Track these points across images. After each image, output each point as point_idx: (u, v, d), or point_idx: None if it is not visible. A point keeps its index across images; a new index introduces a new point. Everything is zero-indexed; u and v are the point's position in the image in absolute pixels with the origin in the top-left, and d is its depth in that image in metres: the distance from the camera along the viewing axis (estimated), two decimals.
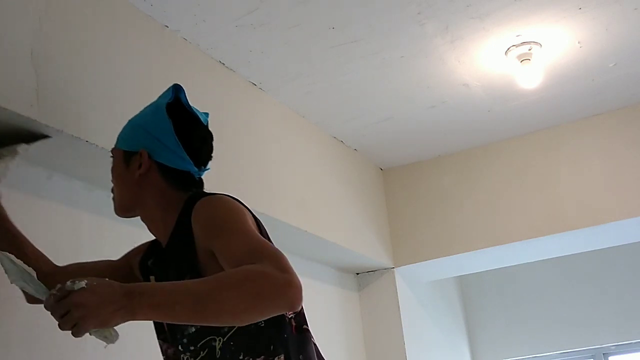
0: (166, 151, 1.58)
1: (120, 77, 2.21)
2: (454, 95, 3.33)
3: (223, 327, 1.46)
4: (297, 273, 1.55)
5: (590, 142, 3.71)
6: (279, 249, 1.57)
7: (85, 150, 2.02)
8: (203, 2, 2.42)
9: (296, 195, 3.10)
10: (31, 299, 1.60)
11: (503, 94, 3.36)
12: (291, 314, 1.51)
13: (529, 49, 2.93)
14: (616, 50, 3.06)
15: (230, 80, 2.85)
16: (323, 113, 3.35)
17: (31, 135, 1.89)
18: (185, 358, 1.52)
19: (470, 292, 5.21)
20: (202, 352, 1.48)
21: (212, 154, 1.68)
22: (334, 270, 3.81)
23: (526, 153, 3.84)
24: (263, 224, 1.57)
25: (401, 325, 3.84)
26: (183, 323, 1.47)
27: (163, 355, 1.60)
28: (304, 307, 1.56)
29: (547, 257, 4.37)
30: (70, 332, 1.22)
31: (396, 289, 3.92)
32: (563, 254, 4.41)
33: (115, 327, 1.29)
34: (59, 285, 1.22)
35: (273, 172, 2.98)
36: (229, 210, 1.47)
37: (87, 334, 1.26)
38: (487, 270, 4.69)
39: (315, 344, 1.57)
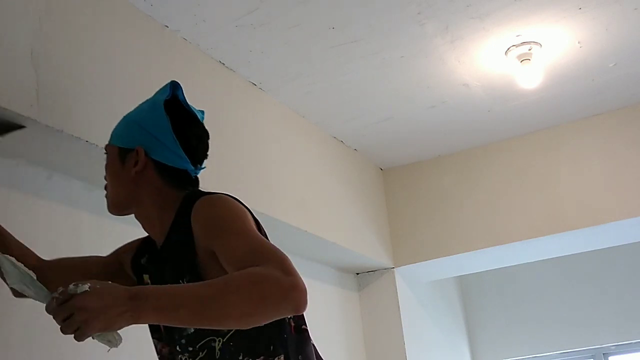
0: (163, 149, 1.56)
1: (120, 77, 2.21)
2: (454, 95, 3.33)
3: (222, 328, 1.45)
4: None
5: (590, 142, 3.71)
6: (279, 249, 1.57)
7: (85, 150, 2.02)
8: (203, 2, 2.42)
9: (296, 195, 3.10)
10: (17, 293, 1.57)
11: (503, 94, 3.36)
12: None
13: (529, 49, 2.93)
14: (616, 50, 3.06)
15: (230, 80, 2.85)
16: (323, 113, 3.35)
17: (4, 128, 1.87)
18: (183, 359, 1.50)
19: (470, 292, 5.21)
20: (201, 353, 1.47)
21: (208, 153, 1.66)
22: (334, 270, 3.81)
23: (526, 153, 3.84)
24: (262, 224, 1.56)
25: (401, 325, 3.84)
26: (187, 326, 1.46)
27: (157, 354, 1.59)
28: None
29: (547, 257, 4.37)
30: (72, 335, 1.21)
31: (396, 289, 3.92)
32: (563, 254, 4.41)
33: (118, 331, 1.28)
34: (61, 289, 1.20)
35: (273, 172, 2.98)
36: (230, 210, 1.45)
37: (89, 338, 1.25)
38: (487, 270, 4.69)
39: (314, 344, 1.57)
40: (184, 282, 1.45)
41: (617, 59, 3.14)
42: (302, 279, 1.30)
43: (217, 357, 1.46)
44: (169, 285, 1.43)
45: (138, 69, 2.30)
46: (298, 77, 3.00)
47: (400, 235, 3.99)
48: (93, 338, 1.26)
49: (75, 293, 1.19)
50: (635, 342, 4.64)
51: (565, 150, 3.75)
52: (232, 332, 1.45)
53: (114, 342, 1.31)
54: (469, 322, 5.14)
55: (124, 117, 1.66)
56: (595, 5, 2.71)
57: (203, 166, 1.65)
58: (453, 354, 4.71)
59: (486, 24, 2.76)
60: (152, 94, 1.72)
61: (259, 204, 2.74)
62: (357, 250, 3.58)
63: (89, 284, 1.20)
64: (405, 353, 3.80)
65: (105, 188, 1.64)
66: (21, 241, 1.77)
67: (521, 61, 2.97)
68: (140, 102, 1.70)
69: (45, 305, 1.24)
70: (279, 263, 1.29)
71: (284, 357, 1.46)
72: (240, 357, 1.44)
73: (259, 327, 1.42)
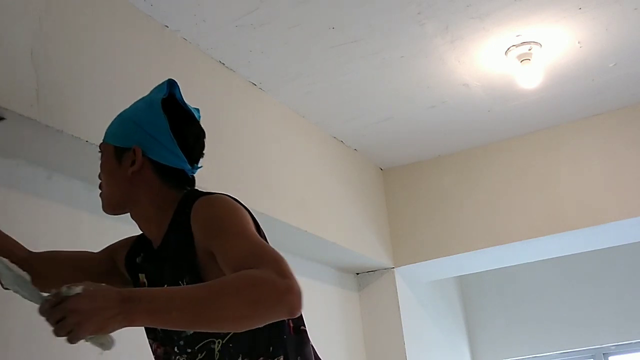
0: (160, 148, 1.55)
1: (120, 77, 2.21)
2: (454, 95, 3.33)
3: None
4: (297, 273, 1.54)
5: (590, 142, 3.71)
6: (279, 249, 1.56)
7: (85, 150, 2.01)
8: (203, 2, 2.42)
9: (296, 195, 3.10)
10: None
11: (503, 94, 3.36)
12: None
13: (529, 49, 2.93)
14: (616, 50, 3.06)
15: (230, 80, 2.85)
16: (323, 113, 3.35)
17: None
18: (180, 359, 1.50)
19: (470, 292, 5.21)
20: (199, 355, 1.47)
21: (204, 152, 1.65)
22: (334, 270, 3.81)
23: (526, 153, 3.84)
24: (261, 224, 1.56)
25: (401, 325, 3.84)
26: (181, 329, 1.45)
27: (153, 354, 1.59)
28: None
29: (547, 257, 4.37)
30: (65, 338, 1.20)
31: (396, 289, 3.92)
32: (563, 254, 4.41)
33: (111, 333, 1.27)
34: (54, 291, 1.20)
35: (273, 172, 2.98)
36: (229, 210, 1.44)
37: (83, 340, 1.24)
38: (487, 270, 4.69)
39: (312, 345, 1.56)
40: (183, 283, 1.45)
41: (617, 59, 3.14)
42: (302, 278, 1.30)
43: (217, 358, 1.45)
44: (163, 287, 1.42)
45: (138, 69, 2.30)
46: (298, 77, 3.00)
47: (400, 235, 3.99)
48: (86, 340, 1.25)
49: (68, 295, 1.18)
50: (635, 342, 4.64)
51: (565, 150, 3.75)
52: (231, 334, 1.44)
53: (106, 345, 1.30)
54: (469, 322, 5.14)
55: (120, 115, 1.64)
56: (595, 5, 2.71)
57: (199, 165, 1.64)
58: (453, 354, 4.71)
59: (486, 24, 2.76)
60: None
61: (259, 204, 2.74)
62: (357, 250, 3.58)
63: (82, 286, 1.19)
64: (405, 353, 3.80)
65: (100, 187, 1.62)
66: (21, 241, 1.77)
67: (521, 61, 2.97)
68: (136, 100, 1.69)
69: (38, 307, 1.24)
70: (276, 265, 1.27)
71: (283, 358, 1.45)
72: (240, 359, 1.44)
73: (258, 328, 1.42)
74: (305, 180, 3.23)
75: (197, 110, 1.67)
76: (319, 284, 3.60)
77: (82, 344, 1.32)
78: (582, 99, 3.52)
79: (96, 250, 1.84)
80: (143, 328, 1.60)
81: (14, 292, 1.36)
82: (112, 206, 1.60)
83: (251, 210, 1.56)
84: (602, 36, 2.93)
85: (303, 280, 1.31)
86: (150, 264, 1.60)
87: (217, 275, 1.35)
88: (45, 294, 1.24)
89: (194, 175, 1.63)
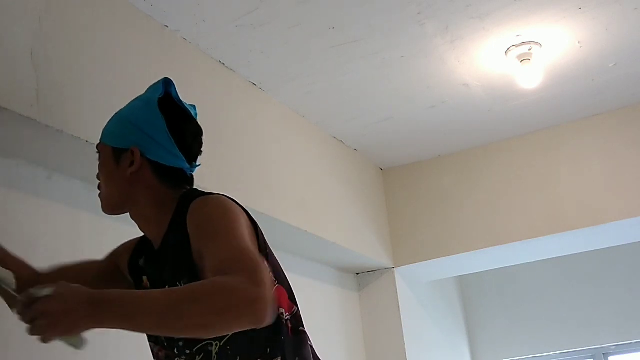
0: (158, 148, 1.55)
1: (120, 77, 2.21)
2: (454, 95, 3.33)
3: None
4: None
5: (590, 142, 3.71)
6: (279, 249, 1.56)
7: (85, 150, 2.01)
8: (203, 2, 2.42)
9: (296, 195, 3.10)
10: None
11: (503, 94, 3.36)
12: (287, 315, 1.49)
13: (529, 49, 2.93)
14: (616, 50, 3.06)
15: (230, 80, 2.85)
16: (323, 113, 3.35)
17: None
18: None
19: (470, 292, 5.21)
20: (198, 356, 1.46)
21: (202, 150, 1.65)
22: (334, 270, 3.81)
23: (526, 153, 3.84)
24: (261, 224, 1.56)
25: (401, 325, 3.84)
26: (150, 333, 1.45)
27: (154, 357, 1.58)
28: (300, 309, 1.56)
29: (547, 257, 4.37)
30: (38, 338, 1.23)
31: (396, 289, 3.92)
32: (563, 254, 4.41)
33: (83, 334, 1.29)
34: (26, 292, 1.22)
35: (273, 172, 2.98)
36: (220, 213, 1.43)
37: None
38: (487, 270, 4.69)
39: (311, 346, 1.56)
40: (181, 284, 1.44)
41: (617, 59, 3.14)
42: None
43: None
44: (135, 291, 1.42)
45: (138, 69, 2.30)
46: (298, 77, 3.00)
47: (400, 235, 3.99)
48: (59, 340, 1.27)
49: (38, 296, 1.21)
50: (635, 342, 4.64)
51: (565, 150, 3.75)
52: (229, 336, 1.44)
53: (77, 345, 1.32)
54: (469, 322, 5.14)
55: (116, 115, 1.63)
56: (595, 5, 2.71)
57: (198, 164, 1.63)
58: (453, 354, 4.71)
59: (486, 24, 2.76)
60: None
61: (259, 204, 2.74)
62: (357, 250, 3.58)
63: (51, 288, 1.21)
64: (405, 353, 3.80)
65: (99, 187, 1.62)
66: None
67: (521, 61, 2.97)
68: (132, 99, 1.68)
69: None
70: (250, 273, 1.26)
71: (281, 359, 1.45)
72: None
73: (256, 330, 1.41)
74: (305, 180, 3.23)
75: (194, 107, 1.66)
76: (319, 284, 3.60)
77: (88, 343, 1.32)
78: (582, 99, 3.52)
79: (96, 251, 1.85)
80: None
81: None
82: (111, 207, 1.60)
83: (251, 211, 1.56)
84: (602, 36, 2.93)
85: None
86: (152, 265, 1.60)
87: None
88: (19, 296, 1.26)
89: (193, 173, 1.63)
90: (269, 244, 1.56)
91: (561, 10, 2.72)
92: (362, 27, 2.69)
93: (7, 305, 1.46)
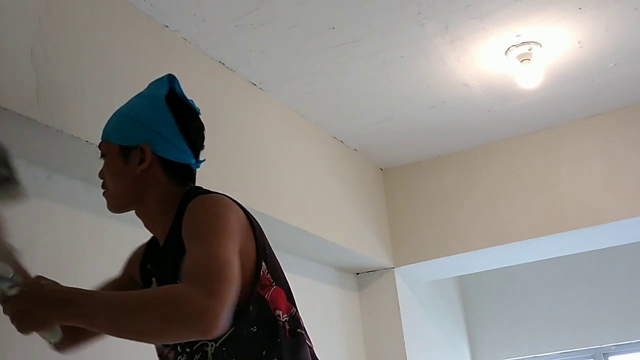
0: (167, 144, 1.55)
1: (120, 77, 2.21)
2: (454, 95, 3.33)
3: None
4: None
5: (590, 142, 3.71)
6: (279, 249, 1.56)
7: (85, 150, 2.01)
8: (203, 2, 2.42)
9: (296, 195, 3.10)
10: None
11: (503, 94, 3.36)
12: (285, 317, 1.48)
13: (529, 49, 2.93)
14: (616, 50, 3.06)
15: (230, 80, 2.85)
16: (323, 113, 3.35)
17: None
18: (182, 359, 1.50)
19: (470, 292, 5.21)
20: (196, 355, 1.46)
21: (204, 145, 1.66)
22: (334, 270, 3.81)
23: (526, 153, 3.84)
24: (261, 224, 1.56)
25: (401, 325, 3.84)
26: (109, 335, 1.45)
27: (160, 357, 1.58)
28: (298, 310, 1.55)
29: (547, 257, 4.37)
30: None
31: (396, 289, 3.92)
32: (563, 254, 4.41)
33: (56, 328, 1.39)
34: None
35: (273, 172, 2.98)
36: (209, 216, 1.43)
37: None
38: (487, 270, 4.69)
39: (310, 347, 1.55)
40: None
41: (617, 59, 3.14)
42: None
43: None
44: (96, 292, 1.44)
45: (138, 69, 2.30)
46: (298, 77, 3.00)
47: (400, 235, 3.99)
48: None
49: (8, 296, 1.33)
50: (635, 342, 4.64)
51: (565, 150, 3.75)
52: (225, 337, 1.43)
53: (49, 338, 1.41)
54: (469, 322, 5.14)
55: (119, 114, 1.63)
56: (595, 5, 2.71)
57: (202, 159, 1.64)
58: (453, 354, 4.71)
59: (486, 24, 2.76)
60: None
61: (259, 204, 2.74)
62: (357, 250, 3.58)
63: (19, 288, 1.34)
64: (405, 353, 3.80)
65: (103, 187, 1.61)
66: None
67: (521, 61, 2.97)
68: (132, 97, 1.68)
69: None
70: (208, 283, 1.27)
71: None
72: None
73: (252, 331, 1.42)
74: (305, 180, 3.23)
75: (192, 101, 1.67)
76: (319, 284, 3.60)
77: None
78: (582, 99, 3.52)
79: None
80: None
81: None
82: (118, 205, 1.60)
83: (251, 210, 1.55)
84: (602, 36, 2.93)
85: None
86: (157, 265, 1.60)
87: None
88: None
89: (197, 169, 1.64)
90: (270, 245, 1.56)
91: (561, 10, 2.72)
92: (362, 27, 2.69)
93: None
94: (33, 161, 2.05)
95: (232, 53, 2.75)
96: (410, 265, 3.95)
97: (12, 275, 1.40)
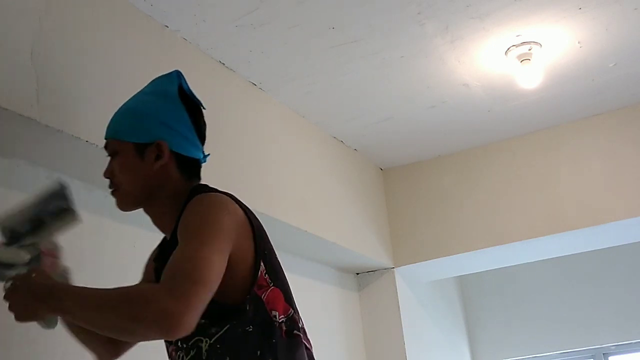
0: (182, 140, 1.58)
1: (120, 77, 2.21)
2: (454, 95, 3.33)
3: (210, 328, 1.44)
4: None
5: (590, 142, 3.71)
6: (279, 249, 1.56)
7: (85, 150, 2.02)
8: (203, 2, 2.42)
9: (296, 195, 3.10)
10: None
11: (503, 94, 3.36)
12: (282, 318, 1.49)
13: (529, 49, 2.93)
14: (616, 50, 3.06)
15: (230, 80, 2.85)
16: (323, 113, 3.35)
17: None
18: (180, 355, 1.51)
19: (470, 292, 5.21)
20: (192, 352, 1.47)
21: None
22: (334, 270, 3.81)
23: (526, 153, 3.84)
24: (262, 225, 1.56)
25: (401, 325, 3.84)
26: (88, 328, 1.51)
27: (169, 357, 1.59)
28: (297, 312, 1.55)
29: (547, 257, 4.37)
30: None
31: (396, 289, 3.92)
32: (563, 254, 4.41)
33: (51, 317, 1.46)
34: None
35: (273, 172, 2.98)
36: (202, 215, 1.44)
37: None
38: (487, 270, 4.69)
39: (308, 348, 1.55)
40: None
41: (617, 59, 3.14)
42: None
43: (204, 358, 1.45)
44: (81, 287, 1.46)
45: (138, 69, 2.30)
46: (298, 77, 3.00)
47: (400, 235, 3.99)
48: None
49: (5, 288, 1.43)
50: (635, 342, 4.64)
51: (565, 150, 3.75)
52: (219, 334, 1.44)
53: (44, 327, 1.48)
54: (469, 322, 5.14)
55: (127, 111, 1.63)
56: (595, 5, 2.71)
57: (207, 153, 1.67)
58: (453, 354, 4.71)
59: (486, 24, 2.76)
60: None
61: (259, 204, 2.73)
62: (357, 250, 3.58)
63: (13, 281, 1.43)
64: (405, 353, 3.80)
65: (111, 186, 1.61)
66: None
67: (521, 61, 2.97)
68: (136, 94, 1.69)
69: None
70: (177, 284, 1.29)
71: None
72: None
73: (247, 330, 1.42)
74: (305, 180, 3.23)
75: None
76: (319, 284, 3.60)
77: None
78: (582, 99, 3.52)
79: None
80: None
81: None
82: (132, 203, 1.61)
83: (248, 211, 1.55)
84: (602, 36, 2.93)
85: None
86: (162, 261, 1.60)
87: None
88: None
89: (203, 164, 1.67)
90: (272, 246, 1.56)
91: (561, 10, 2.72)
92: (362, 27, 2.69)
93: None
94: (33, 161, 2.05)
95: (232, 53, 2.75)
96: (410, 265, 3.95)
97: (28, 261, 1.50)
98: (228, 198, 1.52)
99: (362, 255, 3.66)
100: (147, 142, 1.56)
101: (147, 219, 1.64)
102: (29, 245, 1.53)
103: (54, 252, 1.59)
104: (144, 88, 1.70)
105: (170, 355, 1.57)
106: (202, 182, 1.66)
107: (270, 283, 1.50)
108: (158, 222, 1.61)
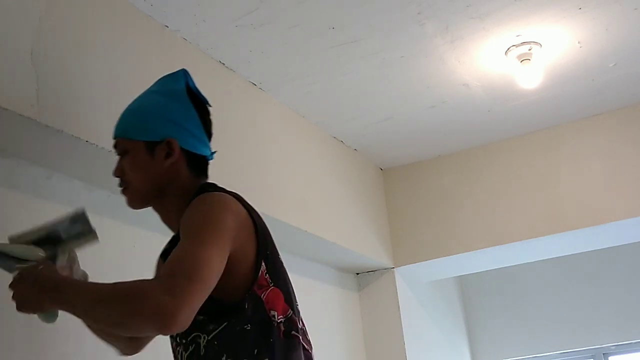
0: (191, 138, 1.60)
1: (120, 77, 2.21)
2: (454, 95, 3.33)
3: (208, 325, 1.45)
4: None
5: (590, 142, 3.71)
6: (279, 249, 1.56)
7: (85, 150, 2.02)
8: (203, 2, 2.42)
9: (296, 195, 3.10)
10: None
11: (503, 94, 3.36)
12: (280, 318, 1.49)
13: (529, 49, 2.93)
14: (616, 50, 3.06)
15: (230, 80, 2.85)
16: (323, 113, 3.35)
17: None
18: (179, 350, 1.52)
19: (470, 292, 5.21)
20: (190, 347, 1.48)
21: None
22: (334, 270, 3.81)
23: (526, 153, 3.84)
24: (266, 226, 1.57)
25: (401, 325, 3.84)
26: (87, 322, 1.55)
27: (172, 351, 1.60)
28: (298, 313, 1.56)
29: (547, 257, 4.37)
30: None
31: (396, 289, 3.92)
32: (563, 254, 4.41)
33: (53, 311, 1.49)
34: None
35: (273, 172, 2.98)
36: (204, 214, 1.45)
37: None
38: (487, 270, 4.69)
39: (307, 349, 1.55)
40: None
41: (617, 59, 3.14)
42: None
43: (202, 354, 1.46)
44: (83, 282, 1.49)
45: (138, 69, 2.30)
46: (298, 77, 3.00)
47: (400, 235, 3.99)
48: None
49: (13, 277, 1.46)
50: (635, 342, 4.64)
51: (565, 150, 3.75)
52: (217, 331, 1.45)
53: (44, 320, 1.50)
54: (469, 322, 5.14)
55: (135, 111, 1.65)
56: (595, 5, 2.71)
57: (214, 150, 1.68)
58: (453, 354, 4.71)
59: (486, 24, 2.76)
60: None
61: (259, 204, 2.70)
62: (357, 250, 3.58)
63: (19, 272, 1.46)
64: (405, 353, 3.79)
65: (121, 184, 1.63)
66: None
67: (521, 61, 2.97)
68: (144, 94, 1.70)
69: None
70: (174, 281, 1.30)
71: None
72: (224, 358, 1.44)
73: (245, 329, 1.43)
74: (305, 180, 3.23)
75: None
76: (319, 284, 3.60)
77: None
78: (582, 99, 3.52)
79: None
80: None
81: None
82: (142, 201, 1.63)
83: (251, 210, 1.56)
84: (602, 36, 2.93)
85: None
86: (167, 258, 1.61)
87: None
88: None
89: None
90: (276, 247, 1.58)
91: (561, 10, 2.72)
92: (362, 27, 2.69)
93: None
94: (33, 161, 2.05)
95: (232, 53, 2.75)
96: (410, 265, 3.95)
97: (41, 258, 1.52)
98: (232, 197, 1.53)
99: (362, 255, 3.65)
100: (156, 140, 1.58)
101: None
102: (46, 247, 1.57)
103: (71, 264, 1.61)
104: (150, 87, 1.72)
105: (173, 350, 1.58)
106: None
107: (271, 283, 1.50)
108: (166, 220, 1.63)
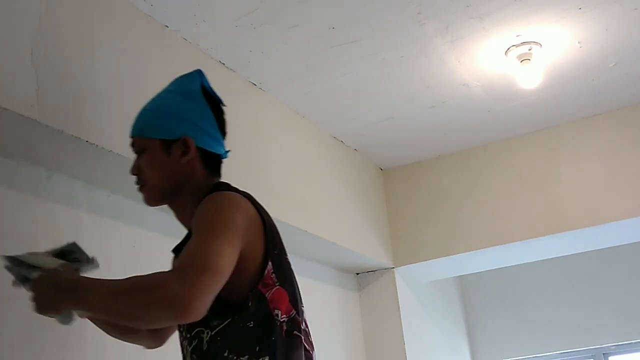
0: (207, 137, 1.64)
1: (120, 77, 2.21)
2: (454, 95, 3.33)
3: (212, 321, 1.46)
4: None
5: (590, 142, 3.71)
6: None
7: (86, 150, 2.02)
8: (203, 2, 2.42)
9: (296, 195, 3.10)
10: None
11: (503, 94, 3.36)
12: (283, 317, 1.50)
13: (529, 49, 2.93)
14: (616, 50, 3.06)
15: (230, 80, 2.85)
16: (323, 113, 3.35)
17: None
18: (185, 344, 1.54)
19: (470, 292, 5.21)
20: (194, 342, 1.50)
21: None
22: (334, 270, 3.81)
23: (526, 153, 3.84)
24: (275, 226, 1.60)
25: (401, 325, 3.84)
26: (103, 318, 1.60)
27: (180, 346, 1.62)
28: (302, 314, 1.57)
29: (547, 257, 4.37)
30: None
31: (396, 289, 3.92)
32: (563, 254, 4.41)
33: (69, 313, 1.50)
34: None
35: (273, 172, 2.98)
36: (215, 212, 1.48)
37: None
38: (487, 270, 4.69)
39: (308, 350, 1.56)
40: None
41: (617, 59, 3.14)
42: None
43: (205, 349, 1.48)
44: (98, 279, 1.49)
45: (138, 69, 2.30)
46: (298, 77, 3.00)
47: (400, 235, 3.99)
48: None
49: (31, 279, 1.48)
50: (635, 342, 4.64)
51: (565, 150, 3.75)
52: (220, 327, 1.46)
53: (61, 322, 1.51)
54: (469, 322, 5.14)
55: (152, 110, 1.67)
56: (595, 5, 2.71)
57: (228, 149, 1.72)
58: (453, 354, 4.71)
59: (486, 24, 2.76)
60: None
61: None
62: (357, 250, 3.58)
63: (38, 272, 1.47)
64: (405, 353, 3.79)
65: (138, 182, 1.66)
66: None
67: (521, 61, 2.97)
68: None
69: None
70: (188, 271, 1.32)
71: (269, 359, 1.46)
72: (226, 354, 1.45)
73: (248, 326, 1.44)
74: (305, 180, 3.23)
75: None
76: (319, 284, 3.60)
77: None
78: (582, 99, 3.52)
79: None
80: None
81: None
82: (159, 197, 1.65)
83: (261, 209, 1.58)
84: (602, 36, 2.93)
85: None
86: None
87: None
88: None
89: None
90: (284, 247, 1.62)
91: (561, 10, 2.72)
92: (362, 27, 2.69)
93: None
94: (33, 161, 2.05)
95: (232, 53, 2.75)
96: (410, 265, 3.95)
97: (55, 267, 1.53)
98: (242, 197, 1.57)
99: (362, 255, 3.65)
100: (173, 139, 1.61)
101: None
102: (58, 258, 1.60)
103: None
104: (166, 87, 1.74)
105: (180, 344, 1.60)
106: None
107: (276, 282, 1.52)
108: (180, 217, 1.65)
